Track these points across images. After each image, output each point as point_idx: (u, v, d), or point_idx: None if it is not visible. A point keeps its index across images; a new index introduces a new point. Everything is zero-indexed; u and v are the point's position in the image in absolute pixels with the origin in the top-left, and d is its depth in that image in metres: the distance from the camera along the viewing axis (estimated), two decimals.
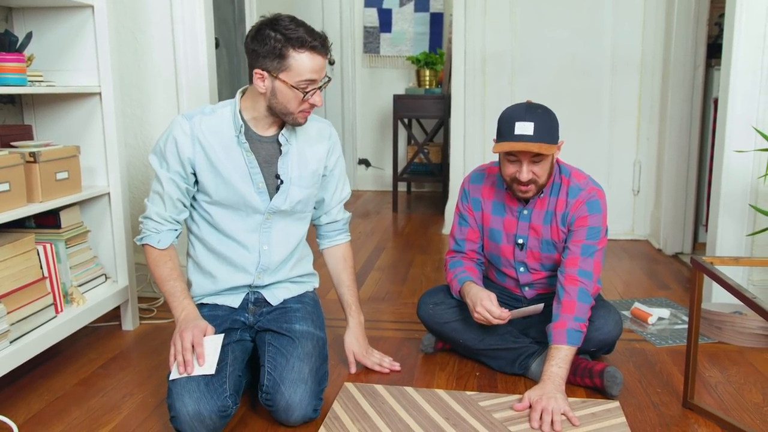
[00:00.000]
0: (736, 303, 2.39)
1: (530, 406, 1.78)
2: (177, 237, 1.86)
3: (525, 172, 1.86)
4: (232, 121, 1.80)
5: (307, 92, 1.71)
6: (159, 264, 1.81)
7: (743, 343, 2.29)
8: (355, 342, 2.07)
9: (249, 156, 1.80)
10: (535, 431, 1.71)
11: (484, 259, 2.17)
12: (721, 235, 2.58)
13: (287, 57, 1.68)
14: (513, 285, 2.13)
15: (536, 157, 1.85)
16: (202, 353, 1.65)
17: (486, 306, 1.90)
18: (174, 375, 1.65)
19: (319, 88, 1.73)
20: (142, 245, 1.85)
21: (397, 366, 2.09)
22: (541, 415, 1.73)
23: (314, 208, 2.01)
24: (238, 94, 1.84)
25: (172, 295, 1.78)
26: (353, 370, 2.06)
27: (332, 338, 2.25)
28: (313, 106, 1.75)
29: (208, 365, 1.65)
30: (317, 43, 1.69)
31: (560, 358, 1.83)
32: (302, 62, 1.68)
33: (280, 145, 1.83)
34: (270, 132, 1.83)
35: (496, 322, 1.91)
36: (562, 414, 1.74)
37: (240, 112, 1.81)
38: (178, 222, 1.85)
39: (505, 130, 1.86)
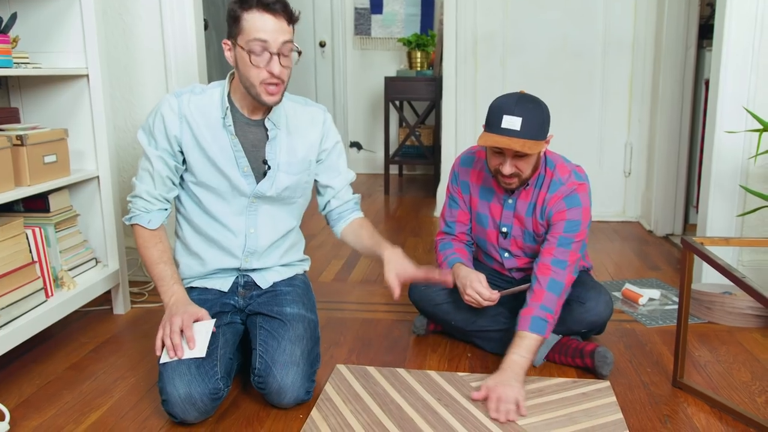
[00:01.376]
0: (726, 283, 2.41)
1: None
2: (167, 217, 1.84)
3: (508, 167, 1.83)
4: (219, 102, 1.77)
5: (253, 53, 1.63)
6: (149, 245, 1.79)
7: (733, 323, 2.31)
8: (398, 261, 1.80)
9: (234, 139, 1.77)
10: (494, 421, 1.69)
11: (474, 240, 2.17)
12: (711, 215, 2.59)
13: (240, 19, 1.64)
14: (501, 267, 2.13)
15: (520, 152, 1.81)
16: (192, 337, 1.64)
17: (476, 288, 1.90)
18: (164, 359, 1.64)
19: (278, 54, 1.64)
20: (131, 225, 1.82)
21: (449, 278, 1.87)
22: (498, 404, 1.70)
23: (320, 194, 1.97)
24: (228, 76, 1.81)
25: (162, 279, 1.76)
26: (398, 293, 1.76)
27: (324, 320, 2.25)
28: (273, 75, 1.65)
29: (198, 349, 1.64)
30: (268, 3, 1.62)
31: (523, 347, 1.81)
32: (251, 21, 1.62)
33: (267, 129, 1.81)
34: (258, 116, 1.80)
35: (486, 303, 1.91)
36: (515, 403, 1.70)
37: (229, 94, 1.78)
38: (167, 201, 1.82)
39: (492, 121, 1.81)
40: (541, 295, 1.86)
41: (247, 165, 1.79)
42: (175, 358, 1.63)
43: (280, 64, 1.66)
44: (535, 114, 1.79)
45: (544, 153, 1.96)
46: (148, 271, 1.81)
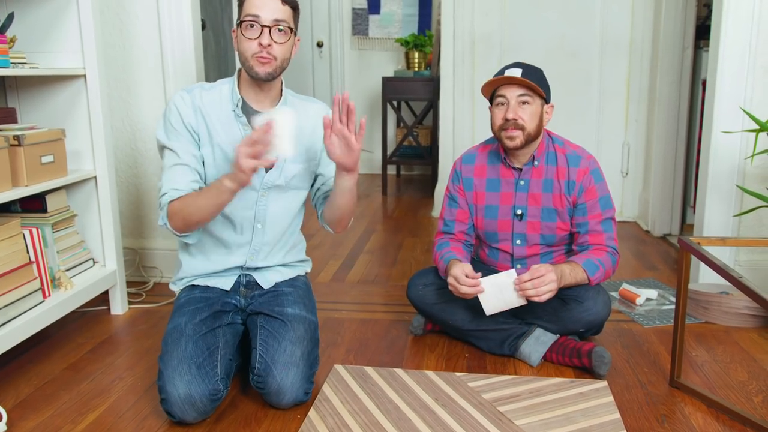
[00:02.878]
0: (723, 283, 2.41)
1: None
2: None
3: (511, 112, 1.94)
4: (230, 96, 1.80)
5: (246, 26, 1.68)
6: (185, 205, 1.68)
7: (729, 323, 2.31)
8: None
9: (246, 130, 1.79)
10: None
11: (474, 240, 2.18)
12: (708, 215, 2.60)
13: (243, 2, 1.72)
14: (506, 262, 2.14)
15: (523, 97, 1.94)
16: (268, 128, 1.52)
17: (454, 273, 1.90)
18: (287, 149, 1.54)
19: (270, 28, 1.68)
20: (168, 219, 1.71)
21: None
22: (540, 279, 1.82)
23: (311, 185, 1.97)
24: (236, 72, 1.85)
25: (208, 189, 1.67)
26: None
27: (322, 321, 2.25)
28: (262, 47, 1.69)
29: (287, 137, 1.54)
30: None
31: (570, 265, 1.93)
32: (249, 1, 1.71)
33: None
34: (266, 107, 1.82)
35: (464, 289, 1.88)
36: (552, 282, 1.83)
37: (238, 88, 1.81)
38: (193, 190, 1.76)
39: (496, 76, 1.98)
40: (600, 254, 1.99)
41: None
42: (284, 140, 1.54)
43: (271, 36, 1.69)
44: (535, 71, 1.97)
45: (547, 133, 2.06)
46: (199, 207, 1.67)
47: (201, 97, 1.79)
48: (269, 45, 1.69)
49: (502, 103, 1.97)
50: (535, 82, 1.94)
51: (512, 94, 1.94)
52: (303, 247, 2.04)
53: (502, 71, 1.98)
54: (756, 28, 2.45)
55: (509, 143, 1.97)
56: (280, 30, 1.70)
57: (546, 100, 1.99)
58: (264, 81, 1.75)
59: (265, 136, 1.53)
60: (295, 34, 1.77)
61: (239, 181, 1.59)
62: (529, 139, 1.97)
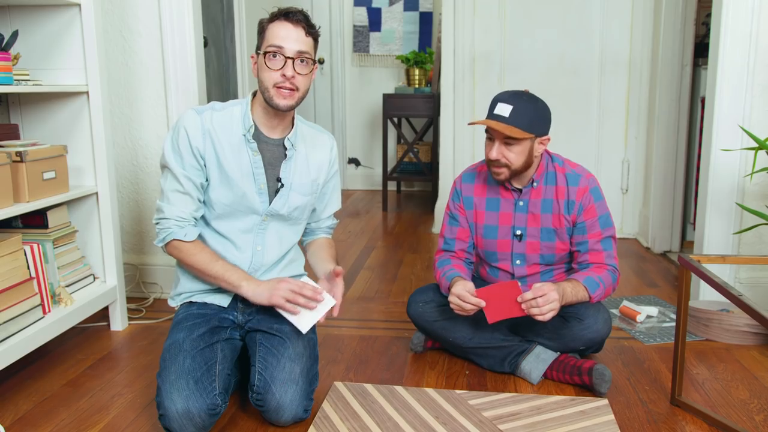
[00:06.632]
0: (724, 300, 2.41)
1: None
2: (198, 234, 1.83)
3: (494, 151, 1.92)
4: (241, 119, 1.80)
5: (269, 57, 1.70)
6: (195, 252, 1.78)
7: (730, 341, 2.31)
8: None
9: (255, 156, 1.80)
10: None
11: (474, 258, 2.18)
12: (708, 233, 2.60)
13: (265, 31, 1.74)
14: (506, 280, 2.13)
15: (508, 140, 1.90)
16: (316, 287, 1.72)
17: (457, 292, 1.90)
18: (307, 325, 1.74)
19: (293, 60, 1.71)
20: (166, 245, 1.79)
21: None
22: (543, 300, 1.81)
23: None
24: (249, 95, 1.86)
25: (226, 272, 1.77)
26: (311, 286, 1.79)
27: (321, 337, 2.24)
28: (285, 78, 1.71)
29: (327, 297, 1.74)
30: (290, 13, 1.72)
31: (572, 283, 1.92)
32: (272, 30, 1.73)
33: (285, 148, 1.84)
34: (276, 134, 1.83)
35: (468, 306, 1.88)
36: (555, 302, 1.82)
37: (251, 112, 1.82)
38: (196, 219, 1.83)
39: (488, 108, 1.94)
40: (600, 271, 1.98)
41: (264, 182, 1.81)
42: (313, 317, 1.74)
43: (294, 68, 1.71)
44: (527, 107, 1.89)
45: (547, 152, 2.04)
46: (205, 273, 1.78)
47: (211, 119, 1.79)
48: (293, 77, 1.71)
49: (490, 139, 1.94)
50: (524, 120, 1.87)
51: (498, 134, 1.91)
52: (301, 262, 2.04)
53: (494, 103, 1.92)
54: (754, 46, 2.47)
55: (495, 177, 1.99)
56: (302, 61, 1.73)
57: (538, 134, 1.93)
58: (283, 112, 1.78)
59: (312, 297, 1.72)
60: (315, 63, 1.79)
61: (256, 298, 1.75)
62: (516, 173, 1.97)
